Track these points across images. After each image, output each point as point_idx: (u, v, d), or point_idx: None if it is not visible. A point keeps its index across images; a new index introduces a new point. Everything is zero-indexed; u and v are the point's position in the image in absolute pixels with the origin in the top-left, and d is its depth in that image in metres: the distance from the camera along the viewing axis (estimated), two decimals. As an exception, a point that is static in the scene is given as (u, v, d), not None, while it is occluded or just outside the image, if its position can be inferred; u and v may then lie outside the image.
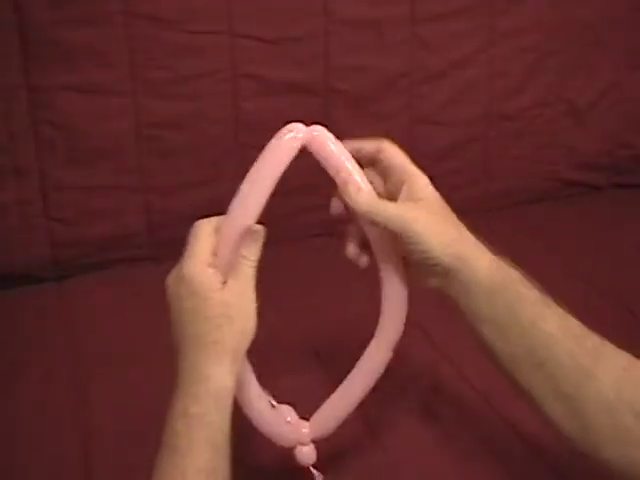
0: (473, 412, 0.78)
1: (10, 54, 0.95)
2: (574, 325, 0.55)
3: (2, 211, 1.00)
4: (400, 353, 0.68)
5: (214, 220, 0.59)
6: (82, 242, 1.05)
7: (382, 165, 0.61)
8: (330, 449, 0.72)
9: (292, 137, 0.58)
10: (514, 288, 0.56)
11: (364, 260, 0.63)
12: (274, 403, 0.64)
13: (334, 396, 0.65)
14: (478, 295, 0.56)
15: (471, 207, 1.23)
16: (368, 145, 0.61)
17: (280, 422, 0.64)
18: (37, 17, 0.95)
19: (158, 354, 0.88)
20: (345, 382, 0.65)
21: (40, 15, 0.95)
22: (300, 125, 0.59)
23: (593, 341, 0.54)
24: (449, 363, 0.85)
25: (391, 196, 0.60)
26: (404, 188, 0.59)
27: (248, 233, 0.58)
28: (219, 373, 0.55)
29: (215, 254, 0.58)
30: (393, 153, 0.60)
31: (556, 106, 1.24)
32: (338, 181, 0.60)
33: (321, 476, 0.65)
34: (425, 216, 0.57)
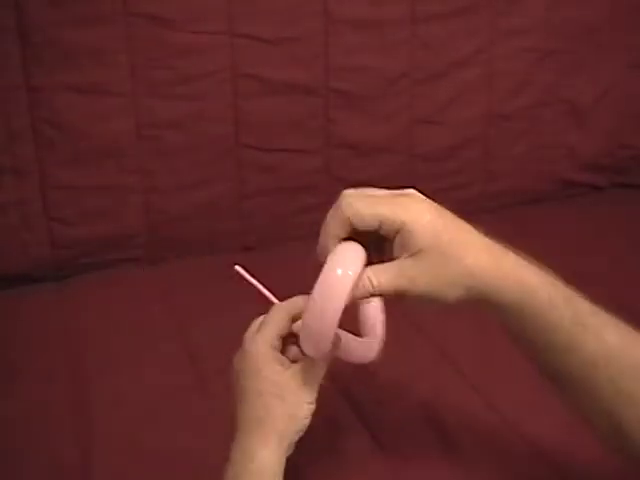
0: (473, 412, 0.78)
1: (10, 54, 0.95)
2: (612, 344, 0.53)
3: (2, 211, 1.00)
4: (400, 353, 0.68)
5: (291, 307, 0.59)
6: (82, 242, 1.05)
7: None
8: (330, 449, 0.72)
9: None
10: (543, 316, 0.53)
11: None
12: None
13: None
14: (509, 320, 0.54)
15: (471, 207, 1.24)
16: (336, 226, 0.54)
17: None
18: (37, 17, 0.95)
19: (157, 354, 0.89)
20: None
21: (40, 15, 0.95)
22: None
23: (634, 359, 0.53)
24: (449, 363, 0.85)
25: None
26: (396, 240, 0.53)
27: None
28: (264, 454, 0.54)
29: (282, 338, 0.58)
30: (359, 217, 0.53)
31: (556, 106, 1.24)
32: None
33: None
34: (425, 275, 0.52)
